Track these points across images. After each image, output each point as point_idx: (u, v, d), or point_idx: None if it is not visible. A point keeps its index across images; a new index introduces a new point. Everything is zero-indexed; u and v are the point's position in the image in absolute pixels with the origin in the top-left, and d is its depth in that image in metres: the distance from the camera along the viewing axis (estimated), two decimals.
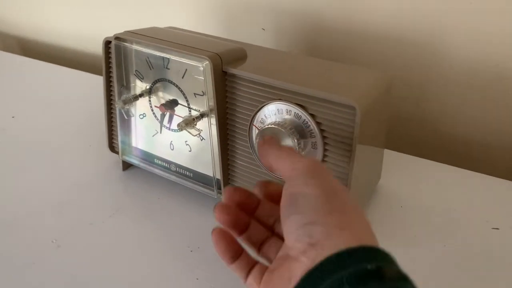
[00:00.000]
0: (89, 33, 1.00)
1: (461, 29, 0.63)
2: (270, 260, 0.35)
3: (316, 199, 0.29)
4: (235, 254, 0.34)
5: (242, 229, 0.35)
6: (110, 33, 0.52)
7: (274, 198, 0.36)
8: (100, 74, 0.86)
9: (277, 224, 0.36)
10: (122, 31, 0.51)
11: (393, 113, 0.72)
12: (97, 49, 1.00)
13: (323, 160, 0.43)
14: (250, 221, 0.36)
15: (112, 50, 0.51)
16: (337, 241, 0.26)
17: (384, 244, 0.50)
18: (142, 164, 0.56)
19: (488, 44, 0.62)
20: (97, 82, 0.84)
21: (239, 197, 0.36)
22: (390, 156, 0.61)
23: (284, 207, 0.30)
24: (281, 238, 0.34)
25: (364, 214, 0.30)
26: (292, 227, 0.29)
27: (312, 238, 0.27)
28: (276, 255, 0.34)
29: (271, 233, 0.36)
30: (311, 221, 0.28)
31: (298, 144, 0.43)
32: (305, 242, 0.27)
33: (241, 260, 0.34)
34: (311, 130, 0.43)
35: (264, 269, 0.33)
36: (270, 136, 0.39)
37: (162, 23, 0.70)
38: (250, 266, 0.34)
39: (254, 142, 0.46)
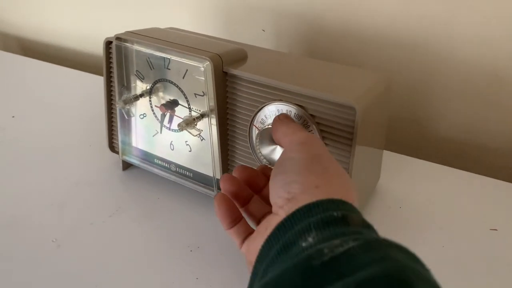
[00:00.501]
0: (89, 33, 1.00)
1: (459, 32, 0.63)
2: None
3: (300, 161, 0.31)
4: (234, 220, 0.36)
5: (244, 202, 0.38)
6: (111, 33, 0.53)
7: None
8: (100, 74, 0.86)
9: None
10: (122, 31, 0.52)
11: (392, 115, 0.72)
12: (97, 49, 1.00)
13: None
14: (253, 196, 0.38)
15: (113, 50, 0.51)
16: (311, 196, 0.28)
17: None
18: (142, 164, 0.56)
19: (486, 47, 0.62)
20: (97, 82, 0.84)
21: (248, 174, 0.39)
22: (389, 157, 0.62)
23: (273, 169, 0.33)
24: None
25: (349, 179, 0.32)
26: (275, 185, 0.31)
27: (290, 193, 0.29)
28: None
29: (271, 209, 0.37)
30: (292, 180, 0.30)
31: None
32: (284, 198, 0.30)
33: (239, 226, 0.36)
34: (311, 130, 0.43)
35: None
36: (285, 114, 0.42)
37: (162, 24, 0.70)
38: (247, 233, 0.36)
39: (254, 142, 0.46)
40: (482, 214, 0.53)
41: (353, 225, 0.25)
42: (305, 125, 0.43)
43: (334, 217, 0.26)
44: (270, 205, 0.37)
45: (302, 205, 0.27)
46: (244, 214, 0.37)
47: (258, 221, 0.37)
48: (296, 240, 0.25)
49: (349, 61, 0.72)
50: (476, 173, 0.60)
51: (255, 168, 0.40)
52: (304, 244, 0.24)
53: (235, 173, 0.39)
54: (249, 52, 0.50)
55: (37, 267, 0.45)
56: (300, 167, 0.31)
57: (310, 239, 0.25)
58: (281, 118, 0.40)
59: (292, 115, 0.43)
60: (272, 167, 0.42)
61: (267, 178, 0.39)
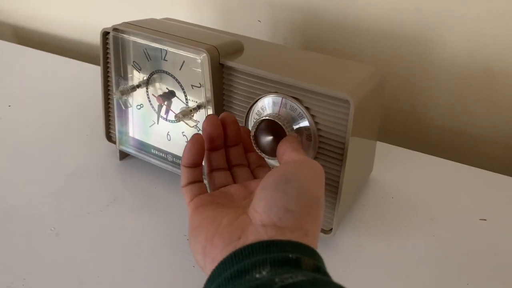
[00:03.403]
0: (84, 21, 0.99)
1: (453, 25, 0.64)
2: (212, 185, 0.40)
3: (306, 195, 0.31)
4: (195, 163, 0.38)
5: (212, 148, 0.40)
6: (106, 22, 0.53)
7: (247, 148, 0.43)
8: (96, 63, 0.86)
9: (236, 168, 0.41)
10: (117, 20, 0.52)
11: (386, 106, 0.73)
12: (93, 38, 1.00)
13: (317, 152, 0.44)
14: (222, 148, 0.41)
15: (110, 41, 0.52)
16: (297, 240, 0.29)
17: (375, 234, 0.51)
18: (139, 154, 0.57)
19: (479, 40, 0.63)
20: (93, 71, 0.84)
21: (231, 128, 0.41)
22: (383, 149, 0.63)
23: (277, 179, 0.32)
24: (234, 178, 0.41)
25: (320, 226, 0.34)
26: (271, 200, 0.31)
27: (281, 222, 0.30)
28: (219, 186, 0.39)
29: (228, 169, 0.41)
30: (291, 209, 0.30)
31: None
32: (272, 220, 0.30)
33: (193, 170, 0.38)
34: (306, 122, 0.44)
35: (203, 190, 0.38)
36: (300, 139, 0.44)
37: (158, 14, 0.70)
38: (196, 179, 0.38)
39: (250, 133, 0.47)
40: (472, 205, 0.54)
41: (305, 267, 0.27)
42: (300, 117, 0.44)
43: (288, 258, 0.27)
44: (229, 164, 0.41)
45: (265, 239, 0.29)
46: (204, 158, 0.40)
47: (210, 170, 0.40)
48: (251, 270, 0.27)
49: (344, 52, 0.73)
50: (467, 164, 0.61)
51: (241, 128, 0.42)
52: (258, 275, 0.26)
53: (222, 116, 0.41)
54: (245, 43, 0.50)
55: (35, 255, 0.45)
56: (303, 200, 0.31)
57: (264, 273, 0.26)
58: (295, 136, 0.41)
59: (288, 107, 0.44)
60: (257, 150, 0.43)
61: (243, 142, 0.42)
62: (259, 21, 0.77)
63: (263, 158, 0.44)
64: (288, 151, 0.37)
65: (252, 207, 0.32)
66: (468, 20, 0.62)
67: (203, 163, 0.39)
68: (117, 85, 0.54)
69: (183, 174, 0.38)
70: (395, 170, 0.60)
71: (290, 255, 0.28)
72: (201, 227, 0.34)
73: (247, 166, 0.42)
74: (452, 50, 0.65)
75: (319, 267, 0.28)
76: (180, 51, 0.47)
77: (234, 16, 0.80)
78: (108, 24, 0.53)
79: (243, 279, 0.27)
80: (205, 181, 0.40)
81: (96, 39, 0.99)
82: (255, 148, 0.43)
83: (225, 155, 0.42)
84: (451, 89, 0.68)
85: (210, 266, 0.30)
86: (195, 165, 0.38)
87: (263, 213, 0.31)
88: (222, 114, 0.41)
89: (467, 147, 0.70)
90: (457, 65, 0.66)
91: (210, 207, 0.35)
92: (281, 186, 0.31)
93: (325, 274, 0.28)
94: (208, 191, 0.39)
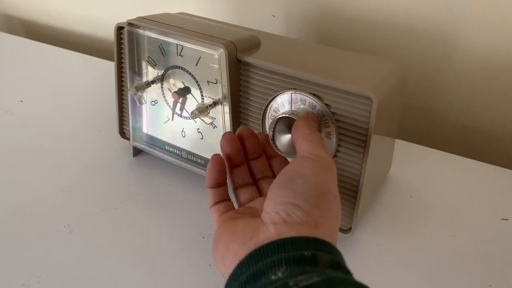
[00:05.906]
0: (97, 16, 0.99)
1: (472, 20, 0.62)
2: (239, 202, 0.39)
3: (312, 188, 0.31)
4: (218, 183, 0.38)
5: (232, 165, 0.40)
6: (120, 17, 0.52)
7: (269, 156, 0.42)
8: (108, 59, 0.85)
9: (262, 181, 0.40)
10: (130, 15, 0.51)
11: (404, 103, 0.72)
12: (107, 33, 0.99)
13: (337, 150, 0.44)
14: (244, 163, 0.40)
15: (125, 36, 0.51)
16: (305, 232, 0.29)
17: (394, 233, 0.50)
18: (153, 151, 0.56)
19: (499, 35, 0.61)
20: (105, 66, 0.83)
21: (249, 141, 0.40)
22: (401, 146, 0.61)
23: (282, 178, 0.33)
24: (259, 192, 0.40)
25: (340, 218, 0.33)
26: (279, 198, 0.31)
27: (289, 217, 0.30)
28: (246, 202, 0.39)
29: (253, 183, 0.40)
30: (297, 204, 0.30)
31: None
32: (281, 217, 0.30)
33: (218, 190, 0.38)
34: (326, 120, 0.43)
35: (230, 207, 0.37)
36: (314, 115, 0.42)
37: (171, 8, 0.70)
38: (222, 199, 0.38)
39: (268, 131, 0.46)
40: (493, 204, 0.53)
41: (321, 265, 0.27)
42: (319, 115, 0.43)
43: (304, 256, 0.27)
44: (254, 178, 0.40)
45: (277, 238, 0.28)
46: (227, 176, 0.39)
47: (235, 188, 0.40)
48: (266, 272, 0.26)
49: (360, 48, 0.71)
50: (487, 162, 0.60)
51: (261, 140, 0.41)
52: (273, 277, 0.26)
53: (239, 131, 0.40)
54: (260, 38, 0.49)
55: (50, 252, 0.45)
56: (311, 194, 0.31)
57: (279, 274, 0.26)
58: (308, 117, 0.40)
59: (307, 104, 0.43)
60: (274, 148, 0.42)
61: (264, 151, 0.41)
62: (273, 15, 0.76)
63: (287, 162, 0.43)
64: (299, 142, 0.36)
65: (263, 210, 0.32)
66: (488, 14, 0.61)
67: (228, 182, 0.39)
68: (132, 81, 0.53)
69: (209, 195, 0.38)
70: (414, 168, 0.58)
71: (306, 253, 0.27)
72: (220, 237, 0.34)
73: (272, 177, 0.41)
74: (472, 45, 0.64)
75: (337, 263, 0.27)
76: (197, 46, 0.46)
77: (247, 11, 0.79)
78: (122, 19, 0.52)
79: (259, 281, 0.26)
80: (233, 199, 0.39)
81: (110, 34, 0.98)
82: (273, 147, 0.42)
83: (249, 169, 0.41)
84: (471, 85, 0.66)
85: (228, 271, 0.30)
86: (218, 185, 0.38)
87: (272, 212, 0.31)
88: (239, 129, 0.40)
89: (488, 144, 0.69)
90: (476, 60, 0.64)
91: (232, 221, 0.35)
92: (286, 184, 0.32)
93: (344, 269, 0.28)
94: (236, 208, 0.38)
